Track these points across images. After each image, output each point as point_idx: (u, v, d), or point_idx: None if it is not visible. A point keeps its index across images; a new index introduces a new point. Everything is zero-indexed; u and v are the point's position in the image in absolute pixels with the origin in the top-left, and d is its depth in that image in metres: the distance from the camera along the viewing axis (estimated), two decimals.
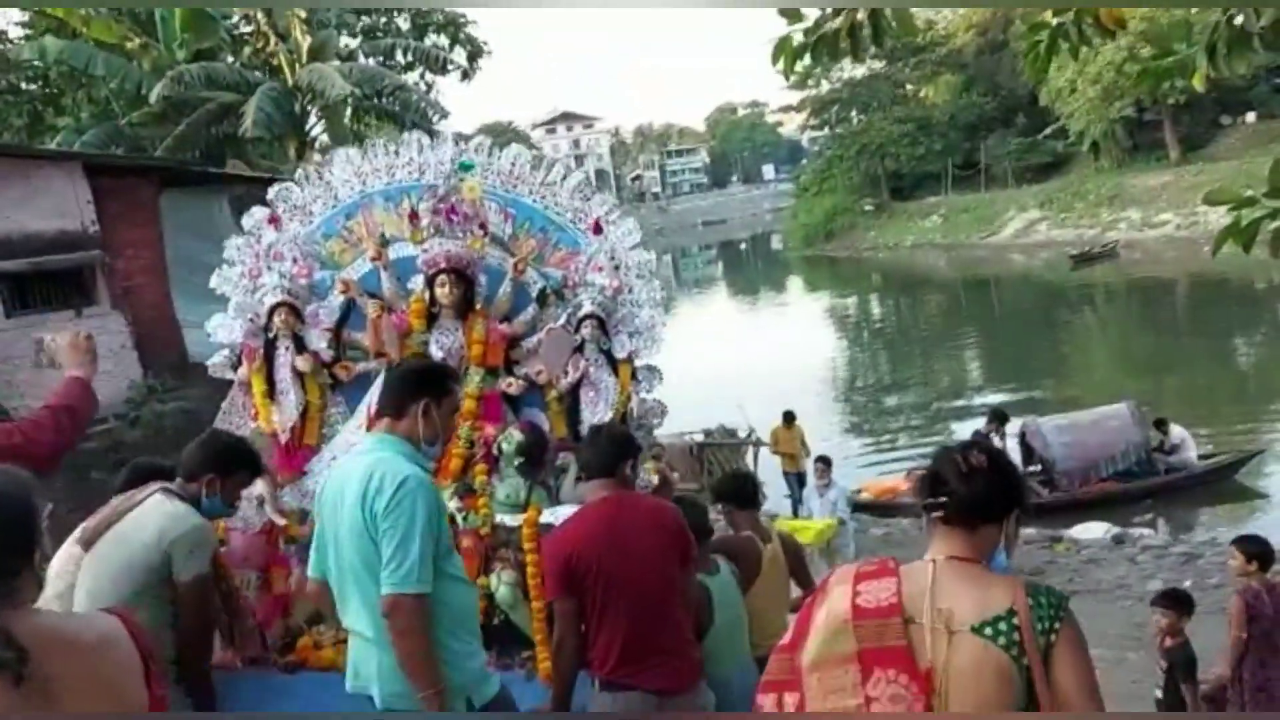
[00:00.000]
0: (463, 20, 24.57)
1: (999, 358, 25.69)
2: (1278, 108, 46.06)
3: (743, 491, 4.78)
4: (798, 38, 3.31)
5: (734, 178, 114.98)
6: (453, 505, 4.59)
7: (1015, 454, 11.81)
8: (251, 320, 5.14)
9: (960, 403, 20.02)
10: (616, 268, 5.34)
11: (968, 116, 56.60)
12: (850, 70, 60.48)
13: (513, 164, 5.49)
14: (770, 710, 2.08)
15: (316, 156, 20.37)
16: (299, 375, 5.06)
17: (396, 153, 5.43)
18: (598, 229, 5.45)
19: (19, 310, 11.17)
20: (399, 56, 21.68)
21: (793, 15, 3.19)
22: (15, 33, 20.49)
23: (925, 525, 2.04)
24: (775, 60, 3.43)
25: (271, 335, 5.10)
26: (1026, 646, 1.85)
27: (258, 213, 5.39)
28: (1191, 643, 4.91)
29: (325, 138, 19.20)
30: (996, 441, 11.68)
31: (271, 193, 5.44)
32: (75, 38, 17.66)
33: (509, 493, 4.60)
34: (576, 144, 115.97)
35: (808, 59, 3.43)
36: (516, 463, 4.59)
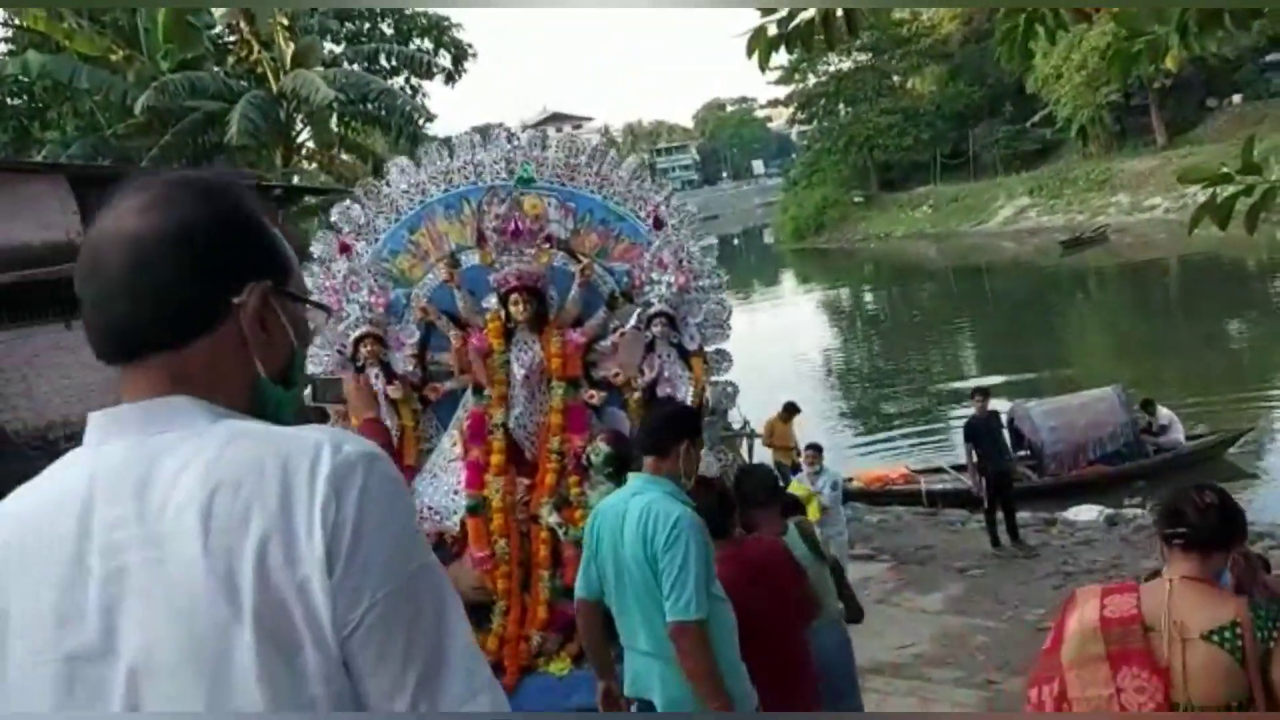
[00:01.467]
0: (447, 24, 24.57)
1: (993, 344, 25.75)
2: (1263, 89, 46.15)
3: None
4: (772, 29, 3.31)
5: (724, 174, 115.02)
6: (552, 519, 4.89)
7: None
8: (339, 352, 5.27)
9: (955, 385, 20.00)
10: (680, 262, 5.36)
11: (955, 106, 56.63)
12: (836, 63, 60.57)
13: (567, 155, 5.51)
14: (1033, 706, 2.52)
15: (303, 163, 20.38)
16: (392, 402, 5.15)
17: (450, 157, 5.47)
18: (658, 223, 5.51)
19: (8, 323, 11.18)
20: (383, 61, 21.69)
21: (766, 7, 3.20)
22: None
23: (1163, 551, 2.49)
24: (750, 52, 3.44)
25: (359, 365, 5.18)
26: (1248, 652, 2.23)
27: (326, 239, 5.45)
28: None
29: (311, 143, 19.18)
30: (1003, 416, 11.68)
31: (334, 214, 5.52)
32: (59, 52, 17.63)
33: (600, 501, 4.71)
34: None
35: (784, 52, 3.44)
36: (606, 472, 4.67)
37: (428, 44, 23.96)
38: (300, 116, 18.32)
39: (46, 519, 1.00)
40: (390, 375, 5.17)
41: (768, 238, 71.60)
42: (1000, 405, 12.35)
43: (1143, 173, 43.44)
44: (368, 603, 0.94)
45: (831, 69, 61.29)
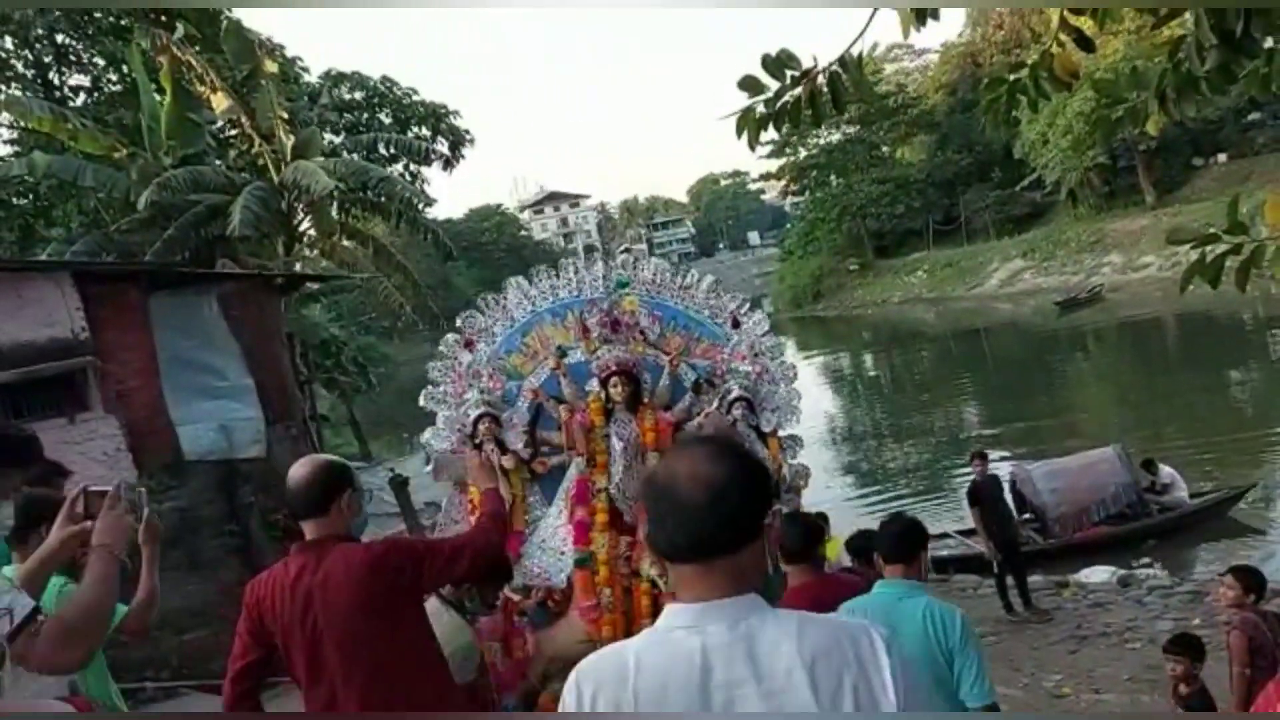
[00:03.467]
0: (444, 111, 25.10)
1: (994, 405, 25.71)
2: (1247, 147, 46.89)
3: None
4: (760, 109, 3.39)
5: (720, 245, 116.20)
6: (653, 572, 5.50)
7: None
8: (460, 430, 6.18)
9: (958, 455, 19.94)
10: (756, 355, 6.36)
11: (944, 174, 57.49)
12: (826, 136, 61.65)
13: (654, 275, 6.61)
14: None
15: (305, 251, 20.61)
16: (505, 473, 5.90)
17: (557, 275, 6.61)
18: (735, 323, 6.53)
19: (13, 419, 11.17)
20: (382, 150, 22.08)
21: (753, 87, 3.28)
22: (3, 150, 20.88)
23: None
24: (740, 132, 3.51)
25: (478, 441, 6.03)
26: None
27: (451, 339, 6.56)
28: (1208, 686, 4.82)
29: (313, 231, 19.43)
30: (1005, 479, 11.67)
31: (459, 321, 6.65)
32: (63, 151, 17.95)
33: None
34: (564, 222, 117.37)
35: (772, 130, 3.51)
36: None
37: (425, 131, 24.46)
38: (301, 206, 18.58)
39: (676, 674, 1.53)
40: (503, 450, 5.99)
41: (766, 307, 72.02)
42: (1003, 466, 12.30)
43: (1134, 232, 43.87)
44: None
45: (821, 141, 62.39)
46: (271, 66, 18.53)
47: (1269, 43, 2.85)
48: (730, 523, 1.55)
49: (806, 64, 3.32)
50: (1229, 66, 2.74)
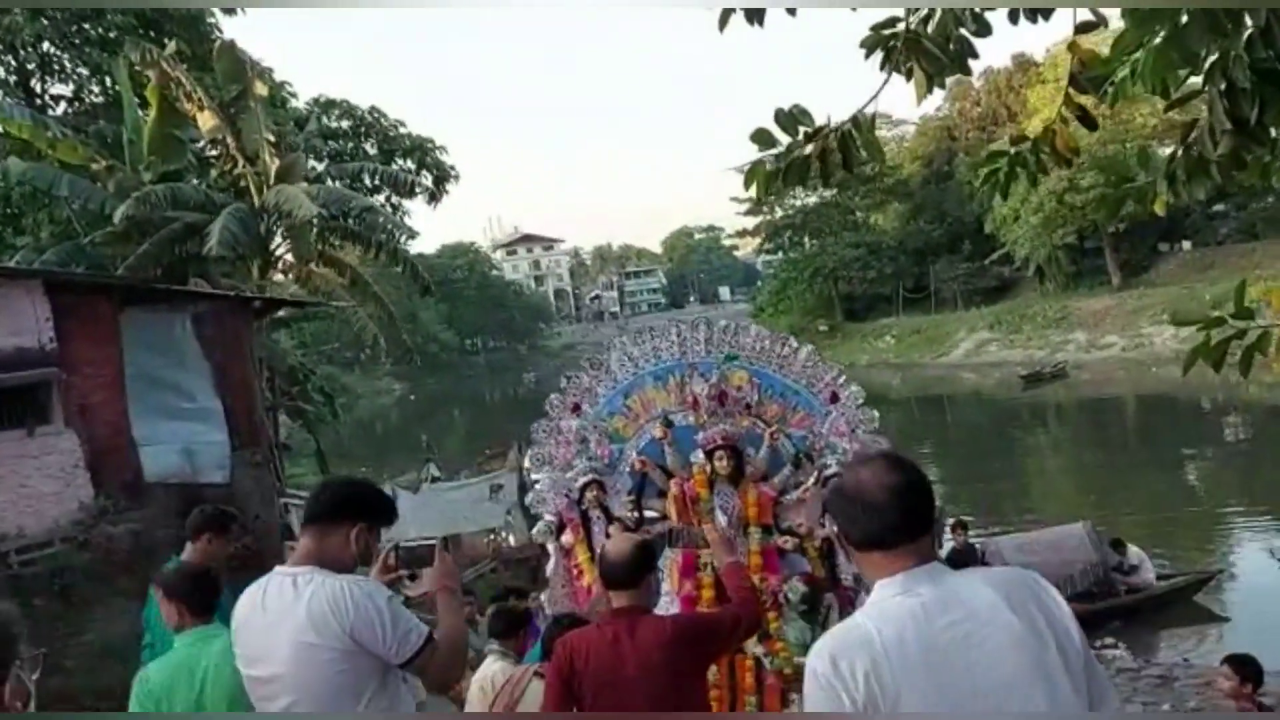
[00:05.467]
0: (430, 145, 25.15)
1: (957, 474, 25.84)
2: (1211, 237, 48.19)
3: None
4: (769, 163, 3.40)
5: (691, 298, 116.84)
6: (757, 650, 5.57)
7: None
8: (567, 496, 6.35)
9: None
10: (854, 431, 6.52)
11: (916, 242, 58.47)
12: (803, 197, 62.54)
13: (755, 341, 6.75)
14: None
15: (278, 276, 20.43)
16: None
17: (659, 338, 6.76)
18: (834, 398, 6.67)
19: None
20: (366, 180, 22.06)
21: (765, 141, 3.29)
22: None
23: None
24: (748, 185, 3.52)
25: (584, 508, 6.23)
26: None
27: (556, 399, 6.72)
28: None
29: (289, 257, 19.29)
30: (977, 551, 11.71)
31: (563, 381, 6.80)
32: (40, 159, 17.75)
33: (797, 635, 5.63)
34: (537, 265, 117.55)
35: (778, 185, 3.52)
36: (801, 609, 5.65)
37: (410, 164, 24.47)
38: (280, 230, 18.45)
39: (908, 628, 1.85)
40: (609, 517, 6.17)
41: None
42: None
43: (1099, 311, 44.73)
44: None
45: (798, 202, 63.32)
46: (261, 89, 18.50)
47: (1274, 133, 2.92)
48: (912, 516, 1.96)
49: (820, 120, 3.34)
50: (1239, 153, 2.79)
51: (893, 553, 1.94)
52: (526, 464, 6.90)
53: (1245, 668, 4.83)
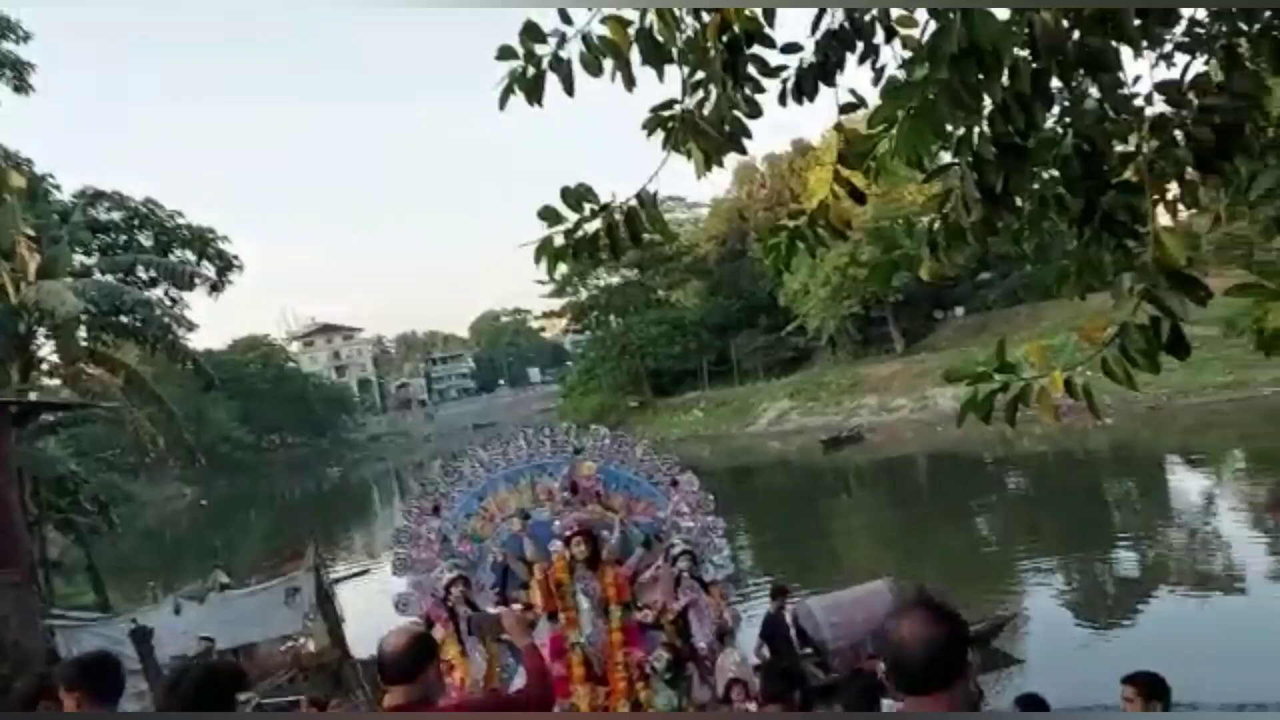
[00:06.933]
0: (211, 235, 24.06)
1: (766, 541, 26.48)
2: (980, 303, 52.57)
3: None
4: (559, 239, 3.37)
5: (501, 381, 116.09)
6: None
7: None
8: (433, 595, 6.73)
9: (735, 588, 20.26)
10: (694, 511, 7.13)
11: (716, 318, 60.71)
12: (606, 278, 63.84)
13: (593, 440, 7.38)
14: None
15: (43, 378, 18.77)
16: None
17: (508, 444, 7.39)
18: (675, 483, 7.28)
19: None
20: (141, 273, 20.76)
21: (552, 217, 3.26)
22: None
23: None
24: (537, 261, 3.47)
25: (451, 604, 6.64)
26: None
27: (415, 505, 7.17)
28: None
29: (55, 357, 17.79)
30: (786, 614, 11.86)
31: (423, 486, 7.32)
32: None
33: (665, 701, 6.23)
34: (337, 355, 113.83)
35: (562, 266, 3.49)
36: (666, 677, 6.27)
37: (190, 255, 23.29)
38: (43, 329, 17.01)
39: None
40: (475, 611, 6.55)
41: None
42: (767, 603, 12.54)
43: (886, 377, 47.59)
44: None
45: (602, 283, 64.52)
46: (18, 181, 17.19)
47: (1020, 202, 3.14)
48: (942, 666, 2.15)
49: (605, 199, 3.35)
50: (991, 220, 2.97)
51: (927, 699, 2.19)
52: (390, 570, 7.00)
53: (1150, 685, 4.62)
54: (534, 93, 3.12)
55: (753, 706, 6.18)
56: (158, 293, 21.80)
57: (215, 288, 23.00)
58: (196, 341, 22.29)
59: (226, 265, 23.74)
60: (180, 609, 12.66)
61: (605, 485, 7.16)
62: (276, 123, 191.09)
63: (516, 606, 6.60)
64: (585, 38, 2.93)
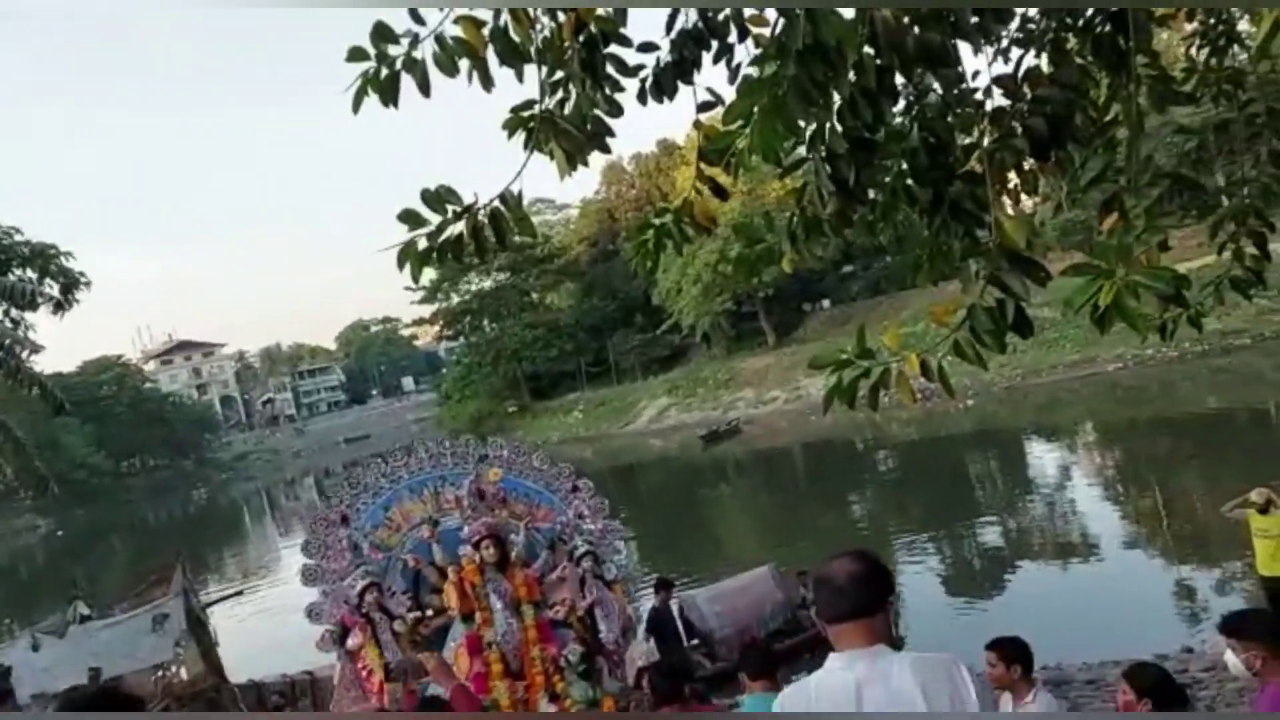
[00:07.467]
0: (54, 252, 22.76)
1: (651, 537, 26.70)
2: (845, 295, 54.29)
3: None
4: (422, 243, 3.31)
5: (373, 392, 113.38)
6: (550, 709, 6.54)
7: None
8: (346, 603, 6.87)
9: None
10: (595, 514, 7.65)
11: (591, 319, 60.80)
12: (478, 282, 63.15)
13: (494, 451, 7.76)
14: None
15: None
16: (396, 637, 6.77)
17: (410, 454, 7.66)
18: (575, 489, 7.78)
19: None
20: None
21: (414, 220, 3.21)
22: None
23: None
24: (401, 266, 3.41)
25: (365, 611, 6.80)
26: None
27: (321, 516, 7.29)
28: None
29: None
30: (674, 607, 11.96)
31: (331, 495, 7.47)
32: None
33: (581, 693, 6.57)
34: (197, 373, 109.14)
35: (434, 265, 3.45)
36: (580, 669, 6.62)
37: (31, 273, 21.96)
38: None
39: (837, 695, 2.41)
40: (390, 617, 6.81)
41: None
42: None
43: (760, 370, 48.63)
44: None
45: (474, 287, 63.78)
46: None
47: (872, 194, 3.26)
48: (868, 597, 2.43)
49: (467, 200, 3.31)
50: (845, 212, 3.07)
51: (848, 627, 2.44)
52: (300, 580, 7.06)
53: (1011, 652, 4.68)
54: (388, 94, 3.07)
55: None
56: None
57: (60, 307, 21.71)
58: (44, 364, 20.98)
59: (72, 283, 22.50)
60: (39, 645, 11.93)
61: (507, 493, 7.52)
62: (119, 130, 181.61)
63: (429, 610, 7.05)
64: (439, 38, 2.89)
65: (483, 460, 7.63)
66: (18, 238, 22.87)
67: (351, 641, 6.77)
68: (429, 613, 7.01)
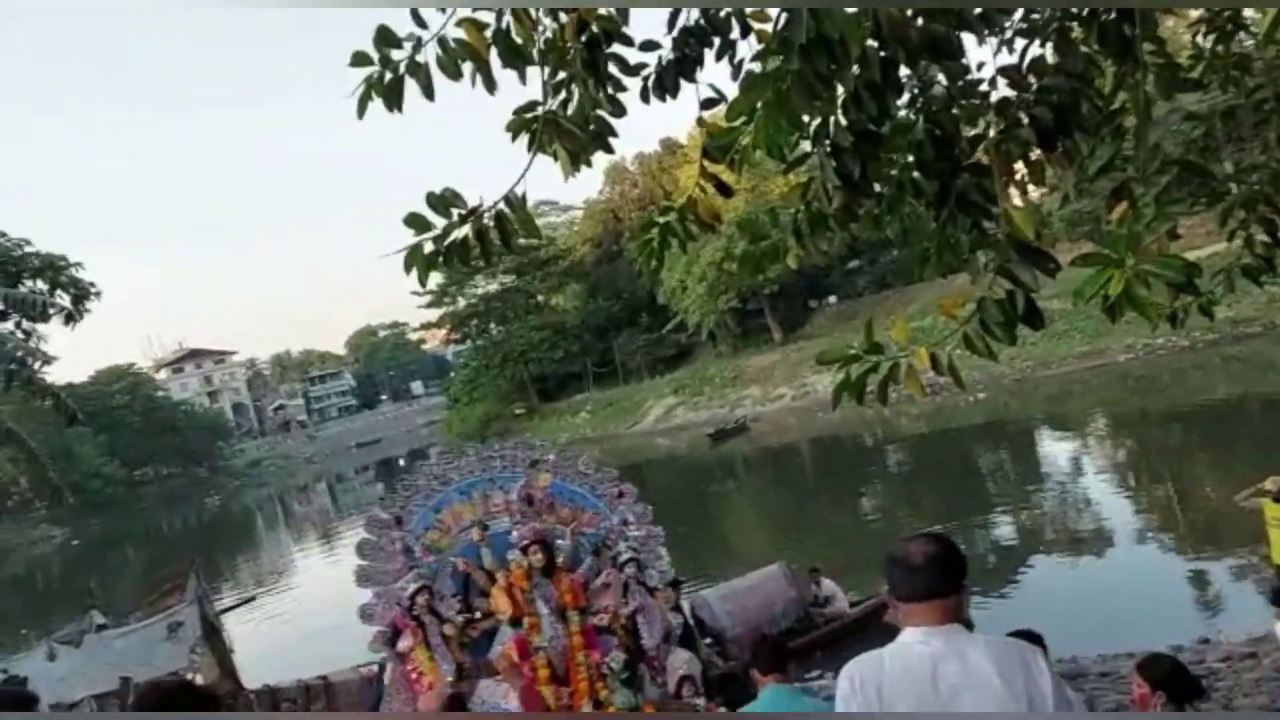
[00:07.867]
0: (64, 263, 22.85)
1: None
2: (851, 290, 54.14)
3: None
4: (429, 246, 3.31)
5: (383, 397, 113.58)
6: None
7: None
8: (398, 605, 7.01)
9: None
10: (640, 520, 7.81)
11: (597, 319, 60.78)
12: (484, 286, 63.20)
13: (539, 454, 7.88)
14: None
15: None
16: (446, 640, 6.90)
17: (461, 457, 7.79)
18: (620, 495, 7.94)
19: None
20: None
21: (420, 224, 3.21)
22: None
23: None
24: (408, 270, 3.41)
25: (416, 613, 6.93)
26: None
27: (378, 517, 7.43)
28: None
29: None
30: (684, 607, 11.95)
31: (384, 500, 7.63)
32: None
33: (624, 700, 6.63)
34: (208, 380, 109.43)
35: (440, 268, 3.44)
36: (623, 677, 6.66)
37: (42, 285, 22.08)
38: None
39: (912, 669, 2.46)
40: (440, 619, 6.96)
41: (434, 456, 70.86)
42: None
43: (766, 367, 48.54)
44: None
45: (480, 291, 63.82)
46: None
47: (878, 187, 3.24)
48: (940, 578, 2.50)
49: (472, 203, 3.31)
50: (851, 206, 3.06)
51: (923, 606, 2.49)
52: (355, 583, 7.18)
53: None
54: (392, 99, 3.07)
55: (701, 702, 6.94)
56: (8, 326, 20.56)
57: (71, 318, 21.82)
58: (56, 375, 21.09)
59: (82, 294, 22.61)
60: (55, 654, 11.99)
61: (554, 498, 7.66)
62: (123, 134, 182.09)
63: (478, 614, 7.18)
64: (442, 41, 2.89)
65: (534, 465, 7.76)
66: (28, 249, 22.98)
67: (403, 644, 6.88)
68: (477, 615, 7.14)
